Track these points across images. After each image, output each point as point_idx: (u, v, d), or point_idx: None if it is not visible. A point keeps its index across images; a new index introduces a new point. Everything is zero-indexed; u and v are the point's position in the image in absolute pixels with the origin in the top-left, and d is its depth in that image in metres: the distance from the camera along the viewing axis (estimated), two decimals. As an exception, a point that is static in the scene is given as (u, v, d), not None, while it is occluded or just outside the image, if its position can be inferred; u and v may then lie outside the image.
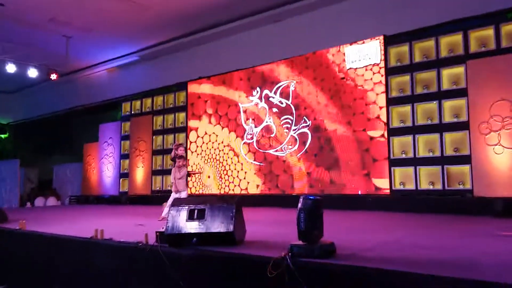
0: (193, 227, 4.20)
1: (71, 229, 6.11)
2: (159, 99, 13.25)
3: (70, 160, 16.52)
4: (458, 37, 8.05)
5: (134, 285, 4.35)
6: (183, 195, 7.41)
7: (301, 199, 3.66)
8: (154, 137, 13.16)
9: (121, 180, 13.96)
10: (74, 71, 15.28)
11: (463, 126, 7.81)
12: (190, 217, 4.25)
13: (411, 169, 8.37)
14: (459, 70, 7.98)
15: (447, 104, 8.08)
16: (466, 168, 7.71)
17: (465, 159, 7.72)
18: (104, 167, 14.55)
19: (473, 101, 7.73)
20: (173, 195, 7.49)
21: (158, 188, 12.84)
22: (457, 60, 8.00)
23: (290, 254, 3.53)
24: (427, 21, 8.37)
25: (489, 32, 7.71)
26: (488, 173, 7.43)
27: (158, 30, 12.11)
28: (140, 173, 13.32)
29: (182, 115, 12.59)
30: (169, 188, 12.44)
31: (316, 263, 3.43)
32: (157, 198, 12.30)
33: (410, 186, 8.38)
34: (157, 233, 4.37)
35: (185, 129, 12.40)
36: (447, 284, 2.82)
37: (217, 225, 4.15)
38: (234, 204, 4.25)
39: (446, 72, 8.16)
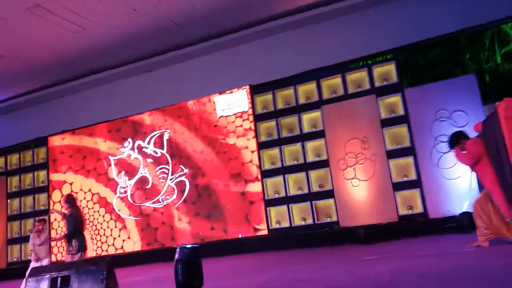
0: (56, 298, 3.70)
1: None
2: (14, 157, 11.80)
3: None
4: (312, 86, 9.03)
5: None
6: (45, 263, 6.53)
7: (178, 250, 3.54)
8: (9, 200, 11.54)
9: (-34, 255, 11.74)
10: None
11: (324, 164, 8.61)
12: (53, 287, 3.75)
13: (284, 208, 8.81)
14: (316, 114, 8.89)
15: (309, 145, 8.86)
16: (330, 201, 8.43)
17: (329, 194, 8.46)
18: None
19: (330, 141, 8.63)
20: (33, 264, 6.56)
21: (15, 259, 11.12)
22: (314, 105, 8.91)
23: (169, 310, 3.34)
24: (286, 72, 9.23)
25: (338, 80, 8.82)
26: (350, 204, 8.24)
27: (12, 82, 10.98)
28: (-9, 244, 11.42)
29: (42, 173, 11.35)
30: (29, 257, 10.90)
31: (197, 315, 3.30)
32: (15, 271, 10.65)
33: (285, 223, 8.79)
34: (11, 312, 3.73)
35: (46, 189, 11.16)
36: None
37: (86, 291, 3.73)
38: (104, 266, 3.89)
39: (306, 117, 9.00)
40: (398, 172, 8.07)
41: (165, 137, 10.15)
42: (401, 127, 8.17)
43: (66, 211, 6.29)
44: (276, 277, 4.84)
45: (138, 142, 10.39)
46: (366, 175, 8.22)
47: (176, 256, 3.47)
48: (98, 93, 11.25)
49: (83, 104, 11.38)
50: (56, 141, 11.31)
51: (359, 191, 8.22)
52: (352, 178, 8.30)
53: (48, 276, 3.77)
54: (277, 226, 8.85)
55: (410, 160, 8.00)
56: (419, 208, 7.79)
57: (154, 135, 10.26)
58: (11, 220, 11.42)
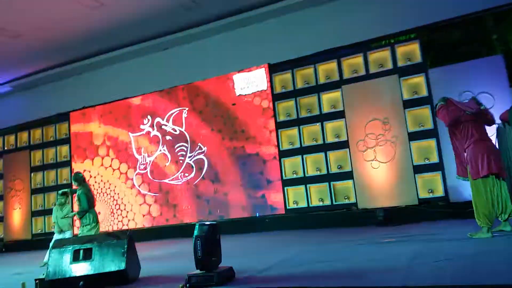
0: (79, 269, 3.81)
1: None
2: (37, 132, 12.05)
3: None
4: (333, 65, 8.85)
5: None
6: (68, 235, 6.72)
7: (197, 226, 3.58)
8: (32, 174, 11.85)
9: (-7, 225, 12.21)
10: None
11: (343, 145, 8.51)
12: (75, 259, 3.85)
13: (302, 188, 8.80)
14: (336, 94, 8.75)
15: (329, 125, 8.76)
16: (349, 183, 8.37)
17: (348, 175, 8.39)
18: (-29, 213, 12.58)
19: (350, 121, 8.50)
20: (56, 236, 6.76)
21: (39, 230, 11.50)
22: (334, 85, 8.76)
23: (187, 285, 3.40)
24: (306, 50, 9.06)
25: (359, 59, 8.62)
26: (369, 186, 8.17)
27: (33, 59, 11.12)
28: (17, 216, 11.83)
29: (65, 149, 11.58)
30: (51, 229, 11.25)
31: (216, 290, 3.35)
32: (39, 242, 11.03)
33: (303, 204, 8.79)
34: (37, 281, 3.86)
35: (69, 164, 11.41)
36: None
37: (107, 264, 3.82)
38: (125, 239, 3.97)
39: (325, 96, 8.87)
40: (420, 154, 7.93)
41: (184, 115, 10.18)
42: (423, 108, 7.98)
43: (76, 188, 6.42)
44: (293, 256, 4.86)
45: (158, 119, 10.47)
46: (386, 157, 8.11)
47: (195, 232, 3.50)
48: (115, 70, 11.29)
49: (101, 81, 11.45)
50: (77, 117, 11.47)
51: (378, 173, 8.13)
52: (372, 160, 8.19)
53: (71, 248, 3.87)
54: (295, 206, 8.87)
55: (432, 142, 7.84)
56: (440, 192, 7.67)
57: (173, 113, 10.31)
58: (35, 193, 11.74)
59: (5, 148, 12.45)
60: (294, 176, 8.92)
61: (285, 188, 8.94)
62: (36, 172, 11.82)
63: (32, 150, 11.96)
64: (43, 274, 3.99)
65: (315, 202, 8.71)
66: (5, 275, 5.79)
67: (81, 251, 3.85)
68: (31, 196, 11.74)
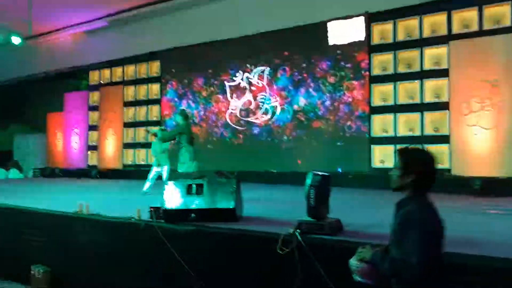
0: (191, 202, 4.03)
1: (51, 203, 5.72)
2: (131, 68, 12.64)
3: (32, 130, 15.62)
4: (441, 17, 8.09)
5: (128, 261, 4.15)
6: (165, 169, 7.13)
7: (310, 175, 3.57)
8: (125, 108, 12.60)
9: (89, 153, 13.37)
10: (36, 35, 14.21)
11: (443, 106, 7.95)
12: (188, 193, 4.07)
13: (391, 148, 8.47)
14: (442, 50, 8.06)
15: (429, 84, 8.18)
16: (445, 147, 7.88)
17: (444, 139, 7.89)
18: (70, 139, 13.85)
19: (454, 81, 7.86)
20: (155, 169, 7.21)
21: (130, 162, 12.40)
22: (440, 40, 8.06)
23: (298, 231, 3.45)
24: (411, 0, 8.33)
25: (473, 13, 7.78)
26: (466, 153, 7.65)
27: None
28: (110, 146, 12.80)
29: (155, 87, 12.08)
30: (141, 162, 12.09)
31: (327, 239, 3.38)
32: (129, 172, 11.94)
33: (389, 164, 8.49)
34: (152, 209, 4.16)
35: (159, 102, 11.92)
36: (469, 260, 2.84)
37: (218, 201, 4.00)
38: (234, 179, 4.10)
39: (428, 52, 8.22)
40: (530, 123, 7.21)
41: (266, 72, 10.08)
42: (542, 73, 7.13)
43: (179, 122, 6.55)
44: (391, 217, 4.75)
45: (246, 74, 10.46)
46: (491, 124, 7.46)
47: (308, 181, 3.49)
48: (204, 12, 11.15)
49: (191, 22, 11.41)
50: (168, 56, 11.76)
51: (479, 139, 7.54)
52: (474, 125, 7.59)
53: (184, 182, 4.09)
54: (380, 165, 8.61)
55: (547, 111, 7.06)
56: (548, 165, 7.00)
57: (258, 70, 10.25)
58: (127, 126, 12.53)
59: (101, 82, 13.26)
60: (384, 134, 8.59)
61: (372, 146, 8.67)
62: (128, 107, 12.52)
63: (125, 86, 12.62)
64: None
65: (403, 164, 8.36)
66: (114, 200, 6.33)
67: (194, 186, 4.05)
68: (123, 129, 12.55)
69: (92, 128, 13.35)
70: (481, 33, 7.69)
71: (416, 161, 2.04)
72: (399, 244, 1.93)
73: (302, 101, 9.63)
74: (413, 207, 1.99)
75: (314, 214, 3.49)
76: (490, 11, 7.66)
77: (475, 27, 7.76)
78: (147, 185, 6.95)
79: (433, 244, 1.91)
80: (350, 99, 8.97)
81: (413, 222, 1.92)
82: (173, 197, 4.05)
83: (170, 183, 4.13)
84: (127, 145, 12.48)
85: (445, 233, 1.99)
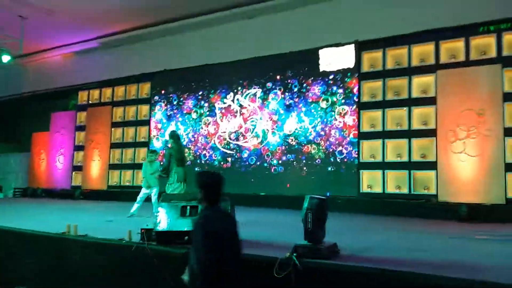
0: (185, 224, 3.96)
1: (37, 224, 5.54)
2: (120, 89, 12.60)
3: (15, 149, 15.30)
4: (429, 47, 8.35)
5: (118, 283, 4.02)
6: (154, 191, 7.02)
7: (307, 198, 3.56)
8: (113, 129, 12.48)
9: (73, 173, 13.11)
10: (26, 54, 14.11)
11: (430, 133, 8.10)
12: (182, 214, 4.01)
13: (379, 173, 8.56)
14: (429, 79, 8.28)
15: (416, 111, 8.35)
16: (431, 173, 8.00)
17: (431, 165, 8.00)
18: (55, 159, 13.59)
19: (441, 109, 8.04)
20: (144, 191, 7.09)
21: (115, 183, 12.20)
22: (428, 69, 8.29)
23: (295, 254, 3.42)
24: (401, 29, 8.60)
25: (460, 44, 8.05)
26: (453, 179, 7.76)
27: (122, 17, 11.50)
28: (95, 167, 12.59)
29: (145, 108, 12.04)
30: (127, 183, 11.90)
31: (323, 263, 3.35)
32: (113, 193, 11.72)
33: (377, 189, 8.56)
34: (143, 231, 4.08)
35: (147, 123, 11.86)
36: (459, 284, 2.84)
37: (212, 223, 3.93)
38: (229, 201, 4.07)
39: (416, 80, 8.43)
40: (515, 152, 7.39)
41: (258, 94, 10.20)
42: (527, 103, 7.36)
43: (169, 146, 6.54)
44: (385, 241, 4.76)
45: (237, 96, 10.54)
46: (477, 151, 7.62)
47: (306, 205, 3.49)
48: (196, 37, 11.36)
49: (183, 46, 11.55)
50: (159, 78, 11.80)
51: (465, 167, 7.68)
52: (460, 152, 7.74)
53: (178, 204, 4.03)
54: (368, 190, 8.66)
55: (532, 141, 7.25)
56: (531, 194, 7.13)
57: (249, 92, 10.35)
58: (114, 147, 12.37)
59: (90, 102, 13.16)
60: (372, 160, 8.67)
61: (360, 171, 8.73)
62: (116, 127, 12.41)
63: (114, 106, 12.54)
64: (147, 225, 4.20)
65: (391, 189, 8.44)
66: (99, 221, 6.18)
67: (188, 208, 3.99)
68: (110, 150, 12.39)
69: (78, 148, 13.14)
70: (467, 63, 7.94)
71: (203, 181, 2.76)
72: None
73: (293, 125, 9.70)
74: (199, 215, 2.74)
75: (311, 238, 3.46)
76: (476, 42, 7.94)
77: (461, 58, 8.02)
78: (135, 206, 6.80)
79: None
80: (341, 124, 9.07)
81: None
82: (166, 218, 3.98)
83: (164, 204, 4.06)
84: (113, 166, 12.29)
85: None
